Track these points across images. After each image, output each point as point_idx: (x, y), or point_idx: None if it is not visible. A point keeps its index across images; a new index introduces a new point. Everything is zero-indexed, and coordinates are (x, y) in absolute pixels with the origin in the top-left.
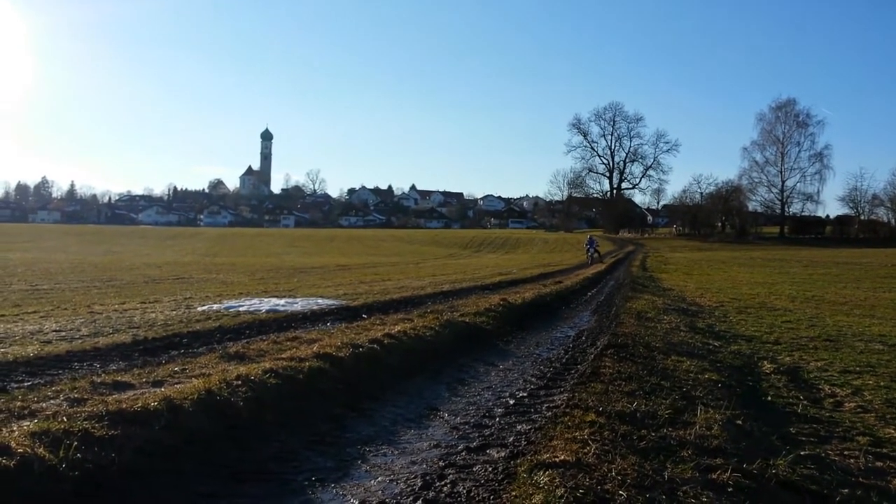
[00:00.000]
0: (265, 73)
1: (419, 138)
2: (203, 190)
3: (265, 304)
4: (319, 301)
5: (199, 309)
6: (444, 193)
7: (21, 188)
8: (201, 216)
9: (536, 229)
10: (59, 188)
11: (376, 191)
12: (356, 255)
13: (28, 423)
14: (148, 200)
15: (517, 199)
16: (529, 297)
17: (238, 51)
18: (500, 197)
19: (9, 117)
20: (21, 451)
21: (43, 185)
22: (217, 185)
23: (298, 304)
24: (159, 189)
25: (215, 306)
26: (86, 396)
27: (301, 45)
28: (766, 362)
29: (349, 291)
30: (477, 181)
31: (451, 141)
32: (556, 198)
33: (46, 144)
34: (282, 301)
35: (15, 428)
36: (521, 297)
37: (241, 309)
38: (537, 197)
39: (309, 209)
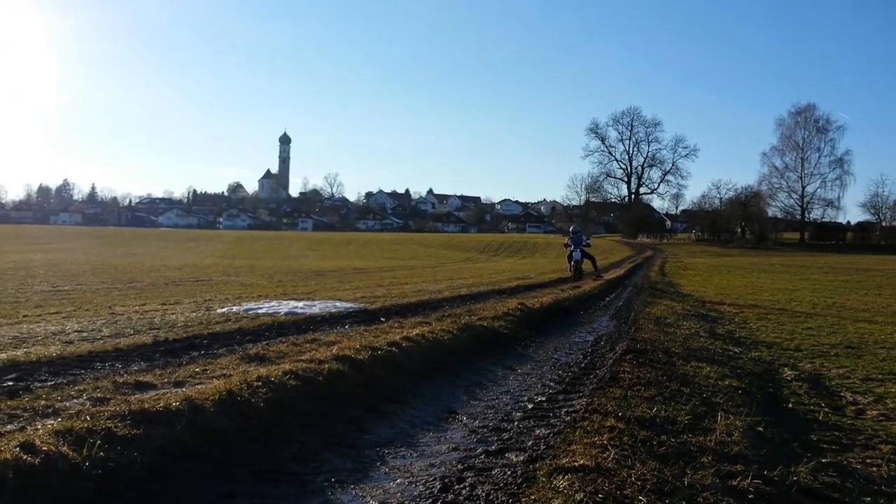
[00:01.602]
0: (284, 76)
1: (437, 142)
2: (222, 193)
3: (284, 307)
4: (337, 304)
5: (219, 311)
6: (462, 198)
7: (43, 190)
8: (220, 219)
9: (554, 234)
10: (80, 190)
11: (394, 195)
12: (374, 259)
13: (52, 422)
14: (168, 203)
15: (534, 203)
16: (548, 302)
17: (258, 54)
18: (517, 201)
19: (31, 118)
20: (46, 448)
21: (64, 187)
22: (236, 188)
23: (317, 307)
24: (179, 192)
25: (235, 308)
26: (108, 396)
27: (320, 49)
28: (786, 369)
29: (367, 294)
30: (494, 185)
31: (468, 145)
32: (574, 202)
33: (68, 146)
34: (300, 303)
35: (39, 426)
36: (539, 301)
37: (260, 311)
38: (555, 201)
39: (327, 213)
